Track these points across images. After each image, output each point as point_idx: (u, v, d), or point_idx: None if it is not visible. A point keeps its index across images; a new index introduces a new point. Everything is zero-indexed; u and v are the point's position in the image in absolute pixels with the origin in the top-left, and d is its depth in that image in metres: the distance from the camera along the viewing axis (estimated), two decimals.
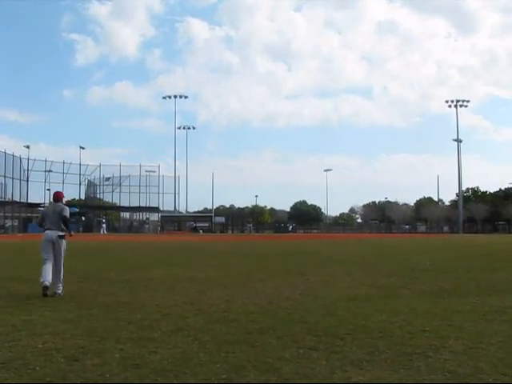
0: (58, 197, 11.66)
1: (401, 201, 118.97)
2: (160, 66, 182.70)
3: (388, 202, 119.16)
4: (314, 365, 5.61)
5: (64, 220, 11.00)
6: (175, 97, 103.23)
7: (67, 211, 11.21)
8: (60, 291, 10.62)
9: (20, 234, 59.63)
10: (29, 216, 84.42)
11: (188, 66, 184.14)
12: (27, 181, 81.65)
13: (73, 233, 11.71)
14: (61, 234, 10.89)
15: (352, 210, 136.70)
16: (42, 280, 10.40)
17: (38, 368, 5.45)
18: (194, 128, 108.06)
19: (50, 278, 10.49)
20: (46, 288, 10.33)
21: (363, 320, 8.09)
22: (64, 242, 10.97)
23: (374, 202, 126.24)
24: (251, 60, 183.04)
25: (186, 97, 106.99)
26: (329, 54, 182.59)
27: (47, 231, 10.91)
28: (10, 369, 5.42)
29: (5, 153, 71.52)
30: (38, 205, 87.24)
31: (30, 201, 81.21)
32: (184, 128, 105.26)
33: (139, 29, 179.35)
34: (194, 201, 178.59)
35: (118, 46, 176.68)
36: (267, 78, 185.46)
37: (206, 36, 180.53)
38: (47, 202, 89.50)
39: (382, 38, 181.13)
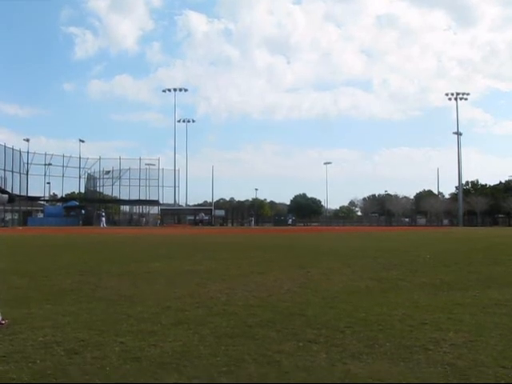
0: None
1: (401, 194, 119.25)
2: (159, 59, 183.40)
3: (388, 194, 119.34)
4: (314, 358, 5.61)
5: None
6: (175, 90, 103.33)
7: None
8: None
9: (20, 227, 59.73)
10: (29, 209, 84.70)
11: (187, 58, 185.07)
12: (27, 174, 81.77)
13: None
14: None
15: (352, 203, 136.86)
16: None
17: (38, 361, 5.46)
18: (193, 121, 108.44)
19: None
20: None
21: (363, 313, 8.09)
22: None
23: (373, 195, 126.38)
24: (250, 53, 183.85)
25: (185, 90, 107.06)
26: (328, 47, 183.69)
27: None
28: (11, 362, 5.43)
29: (4, 146, 71.70)
30: (37, 198, 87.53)
31: (29, 194, 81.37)
32: (184, 121, 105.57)
33: (138, 22, 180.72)
34: (194, 194, 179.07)
35: (118, 40, 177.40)
36: (267, 71, 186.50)
37: (205, 29, 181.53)
38: (47, 195, 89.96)
39: (381, 31, 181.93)
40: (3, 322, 7.23)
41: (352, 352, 5.83)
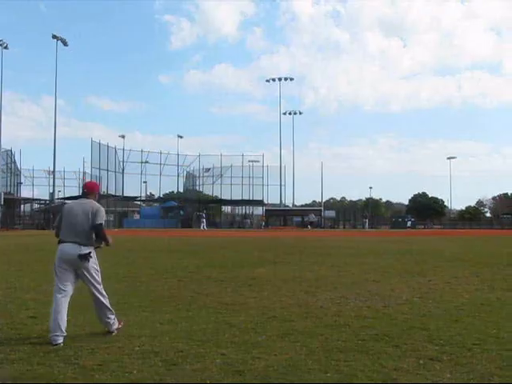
0: (90, 189, 8.14)
1: None
2: (262, 46, 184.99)
3: None
4: (437, 378, 5.51)
5: (97, 230, 7.69)
6: (279, 79, 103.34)
7: (102, 215, 7.80)
8: (115, 326, 7.68)
9: (116, 229, 61.81)
10: (125, 210, 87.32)
11: (292, 45, 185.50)
12: (122, 173, 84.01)
13: (109, 241, 7.88)
14: (85, 251, 7.53)
15: (480, 203, 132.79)
16: (50, 334, 7.20)
17: (135, 371, 5.67)
18: (300, 113, 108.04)
19: (64, 324, 7.25)
20: (56, 344, 7.02)
21: (494, 329, 7.86)
22: (93, 262, 7.64)
23: (505, 194, 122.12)
24: (361, 36, 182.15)
25: (291, 79, 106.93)
26: (450, 27, 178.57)
27: (63, 245, 7.63)
28: (107, 371, 5.68)
29: (99, 143, 73.89)
30: (133, 198, 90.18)
31: (125, 194, 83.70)
32: (290, 113, 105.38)
33: (238, 6, 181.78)
34: (302, 193, 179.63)
35: (216, 26, 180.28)
36: (380, 57, 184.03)
37: (311, 12, 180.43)
38: (143, 195, 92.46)
39: None
40: (120, 325, 7.73)
41: (481, 373, 5.66)
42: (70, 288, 7.54)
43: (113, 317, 7.67)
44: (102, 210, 7.87)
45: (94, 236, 7.72)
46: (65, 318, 7.28)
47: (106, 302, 7.70)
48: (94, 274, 7.63)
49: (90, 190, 8.08)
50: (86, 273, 7.57)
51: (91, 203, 7.81)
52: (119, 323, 7.76)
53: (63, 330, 7.15)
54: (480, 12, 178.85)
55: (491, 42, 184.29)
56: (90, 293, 7.69)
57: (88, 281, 7.60)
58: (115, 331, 7.59)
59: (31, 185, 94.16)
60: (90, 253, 7.57)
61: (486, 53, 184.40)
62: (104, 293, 7.73)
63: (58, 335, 7.08)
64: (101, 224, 7.74)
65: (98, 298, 7.64)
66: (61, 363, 6.00)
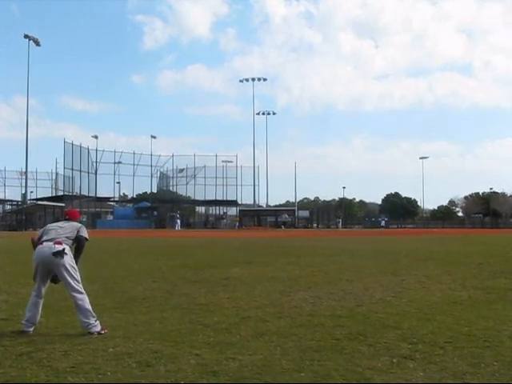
0: (71, 216, 8.74)
1: (509, 192, 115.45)
2: (235, 47, 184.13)
3: (494, 192, 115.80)
4: (410, 376, 5.53)
5: (81, 242, 8.18)
6: (253, 80, 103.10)
7: (85, 230, 8.32)
8: (97, 329, 7.49)
9: (88, 230, 61.24)
10: (98, 211, 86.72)
11: (265, 45, 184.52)
12: (95, 173, 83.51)
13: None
14: (58, 248, 7.62)
15: (452, 203, 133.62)
16: (23, 320, 7.69)
17: (109, 373, 5.62)
18: (273, 113, 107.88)
19: (38, 317, 7.71)
20: (24, 332, 7.55)
21: (466, 327, 7.92)
22: (68, 260, 7.69)
23: (477, 194, 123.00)
24: (334, 37, 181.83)
25: (264, 79, 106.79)
26: (422, 28, 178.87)
27: (39, 247, 7.78)
28: (80, 373, 5.61)
29: (72, 144, 73.49)
30: (107, 199, 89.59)
31: (98, 195, 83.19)
32: (263, 114, 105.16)
33: (211, 7, 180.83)
34: (275, 193, 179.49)
35: (189, 27, 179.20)
36: (353, 57, 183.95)
37: (284, 13, 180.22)
38: (117, 195, 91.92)
39: (483, 6, 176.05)
40: (103, 331, 7.54)
41: (453, 371, 5.69)
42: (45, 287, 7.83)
43: (93, 320, 7.56)
44: (84, 228, 8.36)
45: (74, 246, 8.03)
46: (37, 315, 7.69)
47: (85, 302, 7.67)
48: (71, 271, 7.66)
49: (71, 216, 8.69)
50: (62, 270, 7.59)
51: (76, 223, 8.36)
52: (103, 330, 7.57)
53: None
54: (451, 13, 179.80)
55: (462, 43, 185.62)
56: (68, 292, 7.73)
57: (64, 278, 7.62)
58: (95, 334, 7.44)
59: (3, 185, 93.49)
60: (64, 249, 7.63)
61: (457, 54, 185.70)
62: (83, 291, 7.75)
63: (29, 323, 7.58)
64: (86, 238, 8.22)
65: (76, 297, 7.64)
66: (33, 366, 5.92)
